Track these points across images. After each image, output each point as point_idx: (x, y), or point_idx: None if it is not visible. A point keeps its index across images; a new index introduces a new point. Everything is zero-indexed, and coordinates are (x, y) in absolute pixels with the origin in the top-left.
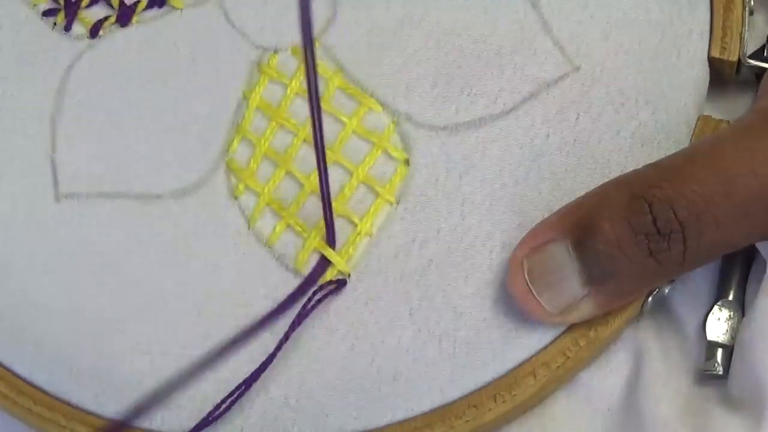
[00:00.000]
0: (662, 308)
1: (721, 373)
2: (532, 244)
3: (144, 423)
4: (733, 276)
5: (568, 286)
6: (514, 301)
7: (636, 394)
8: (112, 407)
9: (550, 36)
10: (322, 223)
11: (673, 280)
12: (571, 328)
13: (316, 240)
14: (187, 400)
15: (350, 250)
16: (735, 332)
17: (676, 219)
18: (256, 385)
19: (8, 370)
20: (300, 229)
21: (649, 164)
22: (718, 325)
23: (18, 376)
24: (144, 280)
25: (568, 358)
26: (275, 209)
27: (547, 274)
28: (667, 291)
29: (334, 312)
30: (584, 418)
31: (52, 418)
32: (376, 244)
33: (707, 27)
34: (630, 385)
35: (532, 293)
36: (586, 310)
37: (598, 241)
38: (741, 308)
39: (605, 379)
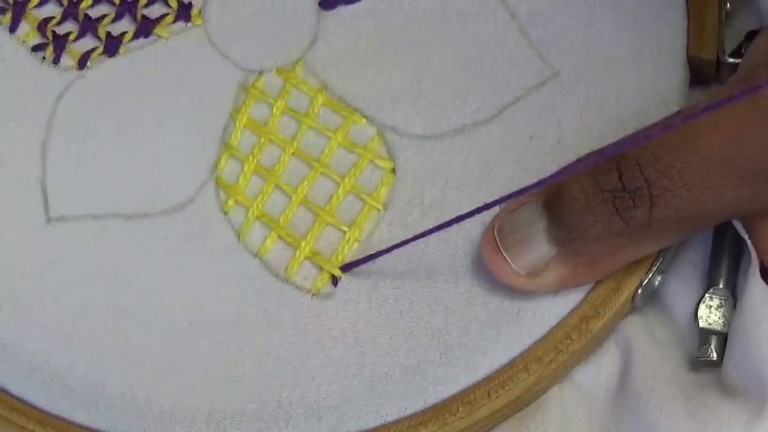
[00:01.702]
0: (653, 301)
1: (715, 359)
2: (510, 208)
3: None
4: (723, 263)
5: (535, 244)
6: (483, 263)
7: (630, 386)
8: (104, 422)
9: (529, 44)
10: (311, 232)
11: (664, 272)
12: (563, 321)
13: (307, 248)
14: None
15: (340, 257)
16: (727, 319)
17: (642, 175)
18: (248, 389)
19: (1, 389)
20: (290, 239)
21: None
22: (710, 312)
23: (11, 395)
24: (135, 297)
25: (560, 351)
26: (265, 222)
27: (515, 232)
28: (657, 283)
29: (326, 314)
30: (580, 413)
31: None
32: (365, 249)
33: (684, 27)
34: (623, 377)
35: (500, 251)
36: (554, 272)
37: (566, 199)
38: (732, 295)
39: (599, 373)
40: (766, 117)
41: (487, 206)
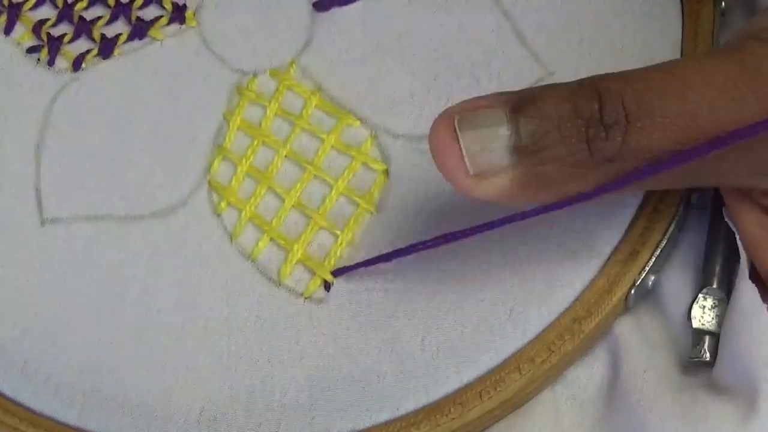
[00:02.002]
0: (646, 301)
1: (708, 359)
2: (469, 107)
3: None
4: (717, 263)
5: (492, 145)
6: (432, 150)
7: (621, 387)
8: (96, 423)
9: (523, 44)
10: (304, 235)
11: (657, 272)
12: (556, 321)
13: (299, 252)
14: None
15: (332, 260)
16: (721, 319)
17: (623, 110)
18: (240, 390)
19: None
20: (283, 242)
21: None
22: (704, 312)
23: (4, 396)
24: (128, 299)
25: (553, 352)
26: (257, 224)
27: (475, 127)
28: (650, 283)
29: (318, 316)
30: (571, 415)
31: None
32: (358, 252)
33: (679, 26)
34: (616, 378)
35: (457, 139)
36: (502, 181)
37: (538, 113)
38: (726, 295)
39: (591, 375)
40: (755, 78)
41: (487, 226)
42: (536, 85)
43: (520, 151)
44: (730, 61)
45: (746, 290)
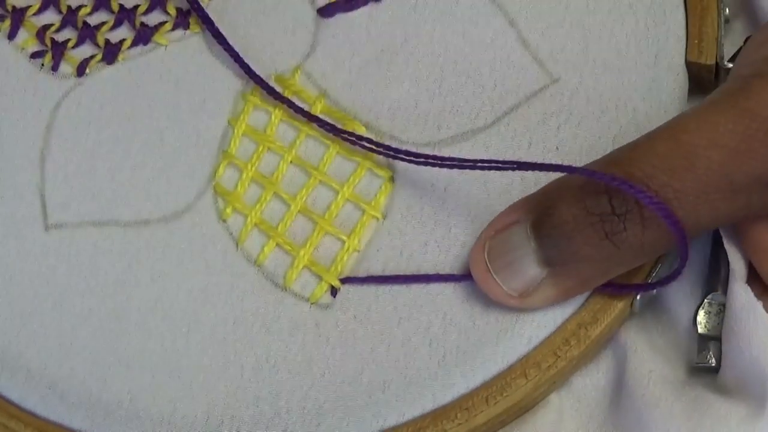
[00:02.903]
0: (652, 307)
1: (714, 365)
2: (498, 227)
3: None
4: (721, 269)
5: (524, 266)
6: (476, 282)
7: (627, 389)
8: (102, 429)
9: (528, 51)
10: (310, 240)
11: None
12: (562, 327)
13: (306, 257)
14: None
15: (339, 266)
16: None
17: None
18: (246, 397)
19: (0, 396)
20: (289, 247)
21: (615, 149)
22: (709, 318)
23: (9, 402)
24: (133, 305)
25: (559, 357)
26: (263, 230)
27: (505, 254)
28: (655, 290)
29: (324, 323)
30: (577, 420)
31: None
32: (364, 258)
33: (683, 33)
34: (620, 383)
35: (490, 273)
36: (546, 293)
37: (554, 222)
38: None
39: (597, 380)
40: (763, 128)
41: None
42: (551, 183)
43: (550, 263)
44: (734, 112)
45: (739, 293)
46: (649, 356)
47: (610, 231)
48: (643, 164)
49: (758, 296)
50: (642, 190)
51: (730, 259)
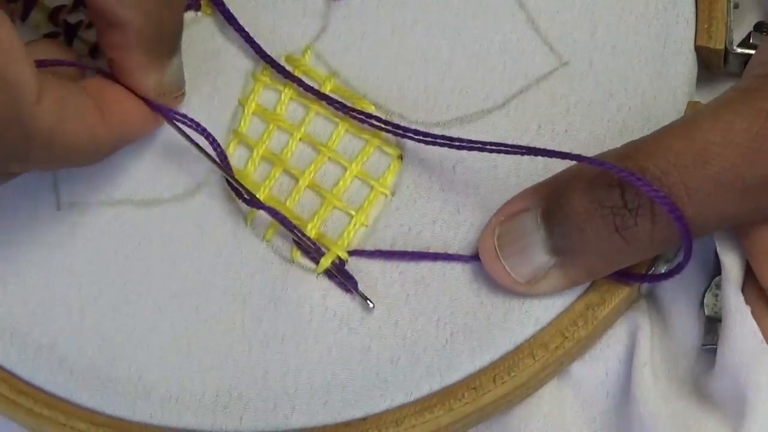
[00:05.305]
0: (659, 289)
1: None
2: (508, 212)
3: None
4: None
5: (533, 253)
6: (485, 268)
7: (632, 373)
8: (111, 406)
9: (538, 34)
10: (318, 214)
11: (669, 261)
12: (569, 308)
13: (313, 231)
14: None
15: (346, 240)
16: None
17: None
18: (254, 373)
19: (10, 373)
20: (297, 221)
21: (629, 141)
22: (717, 300)
23: (19, 378)
24: (144, 282)
25: (566, 338)
26: (272, 205)
27: (514, 241)
28: (663, 272)
29: (331, 299)
30: (581, 404)
31: (51, 416)
32: (372, 234)
33: (692, 17)
34: (626, 366)
35: (499, 258)
36: (553, 281)
37: (566, 212)
38: None
39: (601, 363)
40: None
41: None
42: (563, 171)
43: (558, 251)
44: (749, 111)
45: (730, 296)
46: (652, 342)
47: (621, 225)
48: (657, 159)
49: (754, 301)
50: (650, 184)
51: (723, 264)
